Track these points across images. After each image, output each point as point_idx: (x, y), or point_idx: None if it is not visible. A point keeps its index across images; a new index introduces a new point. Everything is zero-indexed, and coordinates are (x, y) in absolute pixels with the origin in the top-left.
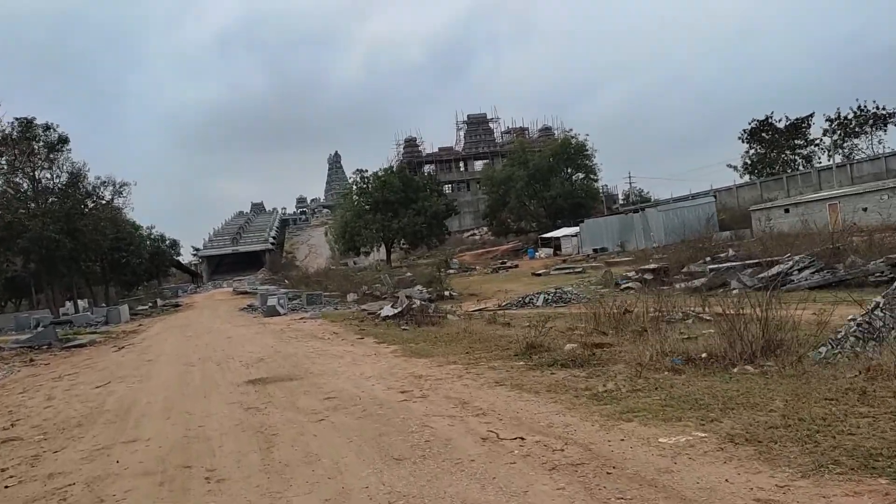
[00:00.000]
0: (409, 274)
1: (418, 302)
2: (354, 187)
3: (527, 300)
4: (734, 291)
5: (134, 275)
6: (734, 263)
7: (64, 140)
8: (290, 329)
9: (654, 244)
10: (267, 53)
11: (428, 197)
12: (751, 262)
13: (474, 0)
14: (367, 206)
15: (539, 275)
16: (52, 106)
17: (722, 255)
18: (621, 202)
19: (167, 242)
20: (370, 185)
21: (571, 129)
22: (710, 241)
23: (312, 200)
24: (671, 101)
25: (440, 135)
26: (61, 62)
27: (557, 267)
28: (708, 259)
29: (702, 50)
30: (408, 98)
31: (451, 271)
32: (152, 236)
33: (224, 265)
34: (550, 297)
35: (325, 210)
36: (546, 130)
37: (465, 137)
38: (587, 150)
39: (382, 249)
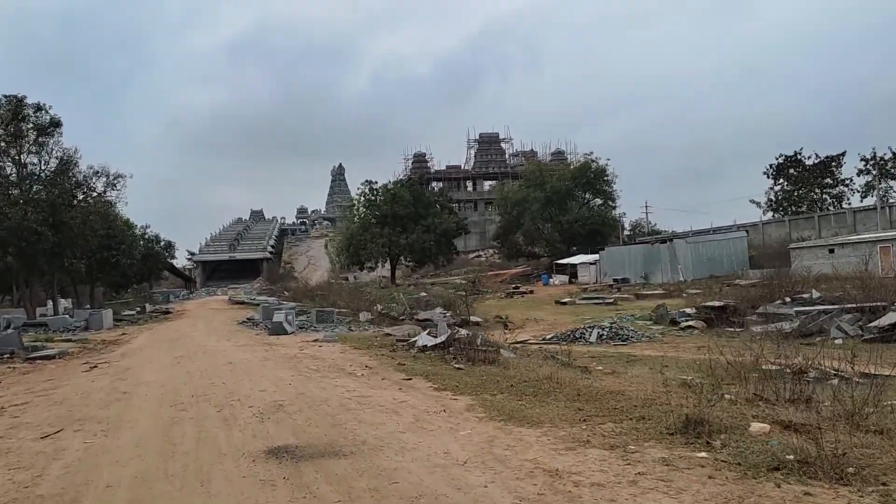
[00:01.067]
0: (422, 294)
1: (463, 331)
2: (362, 198)
3: (577, 335)
4: (837, 341)
5: (123, 276)
6: (826, 307)
7: (56, 123)
8: (307, 356)
9: (682, 278)
10: (275, 63)
11: (438, 213)
12: (849, 306)
13: (484, 23)
14: (373, 220)
15: (564, 303)
16: (56, 103)
17: (804, 295)
18: (627, 233)
19: (162, 244)
20: (378, 197)
21: (592, 153)
22: (789, 278)
23: (313, 212)
24: (675, 135)
25: (446, 154)
26: (68, 60)
27: (584, 296)
28: (788, 300)
29: (705, 87)
30: (414, 116)
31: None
32: (146, 236)
33: (220, 272)
34: (606, 334)
35: (326, 222)
36: (559, 154)
37: (475, 156)
38: (607, 176)
39: (386, 266)
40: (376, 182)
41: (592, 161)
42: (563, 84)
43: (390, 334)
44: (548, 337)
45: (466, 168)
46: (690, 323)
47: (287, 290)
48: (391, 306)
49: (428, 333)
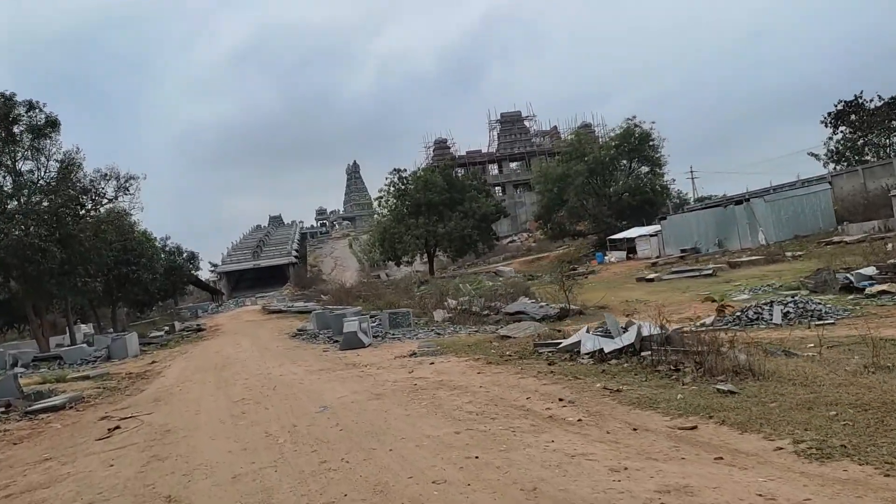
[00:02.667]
0: (489, 283)
1: (656, 330)
2: (391, 188)
3: (749, 316)
4: None
5: (146, 293)
6: None
7: (53, 123)
8: (432, 383)
9: (764, 241)
10: (279, 71)
11: (475, 197)
12: None
13: (486, 10)
14: (405, 210)
15: (650, 280)
16: (67, 128)
17: None
18: (675, 202)
19: (184, 256)
20: (409, 186)
21: (634, 117)
22: None
23: (332, 212)
24: (686, 105)
25: (466, 139)
26: (77, 85)
27: (674, 270)
28: None
29: (713, 54)
30: (424, 108)
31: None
32: (167, 248)
33: (245, 281)
34: (797, 311)
35: (346, 222)
36: (586, 127)
37: (498, 138)
38: (653, 140)
39: (410, 259)
40: (405, 170)
41: (635, 125)
42: (572, 62)
43: (508, 336)
44: (707, 322)
45: (490, 150)
46: (883, 287)
47: (324, 294)
48: (464, 300)
49: (600, 334)
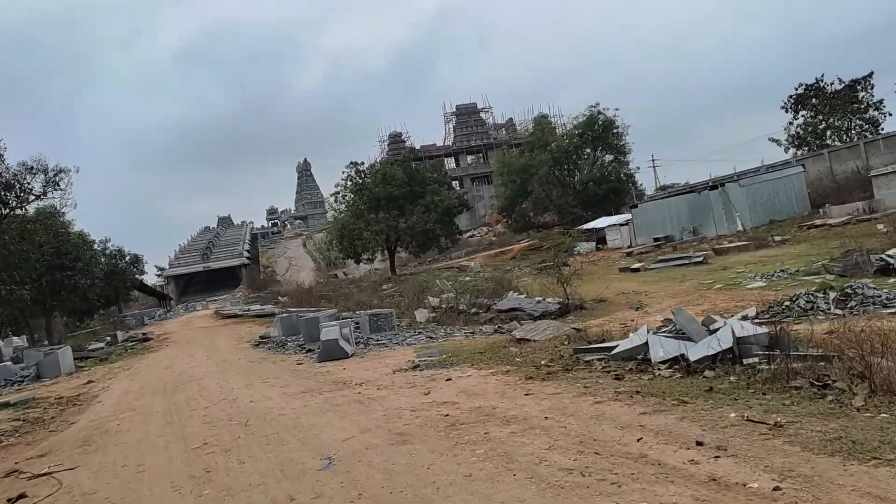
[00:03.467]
0: (467, 278)
1: (752, 329)
2: (349, 183)
3: (799, 306)
4: None
5: (85, 301)
6: None
7: None
8: (464, 409)
9: (740, 227)
10: (227, 69)
11: (437, 190)
12: None
13: (435, 6)
14: (363, 206)
15: (635, 270)
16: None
17: None
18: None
19: (127, 259)
20: (367, 179)
21: (598, 104)
22: None
23: (283, 212)
24: (637, 97)
25: (421, 134)
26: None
27: (661, 258)
28: None
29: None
30: (374, 106)
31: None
32: (107, 251)
33: (194, 284)
34: (855, 302)
35: (298, 221)
36: (543, 118)
37: (454, 130)
38: (617, 128)
39: (371, 256)
40: (362, 163)
41: (599, 112)
42: (522, 57)
43: (526, 339)
44: (750, 314)
45: (446, 144)
46: None
47: (283, 295)
48: (448, 298)
49: (656, 332)
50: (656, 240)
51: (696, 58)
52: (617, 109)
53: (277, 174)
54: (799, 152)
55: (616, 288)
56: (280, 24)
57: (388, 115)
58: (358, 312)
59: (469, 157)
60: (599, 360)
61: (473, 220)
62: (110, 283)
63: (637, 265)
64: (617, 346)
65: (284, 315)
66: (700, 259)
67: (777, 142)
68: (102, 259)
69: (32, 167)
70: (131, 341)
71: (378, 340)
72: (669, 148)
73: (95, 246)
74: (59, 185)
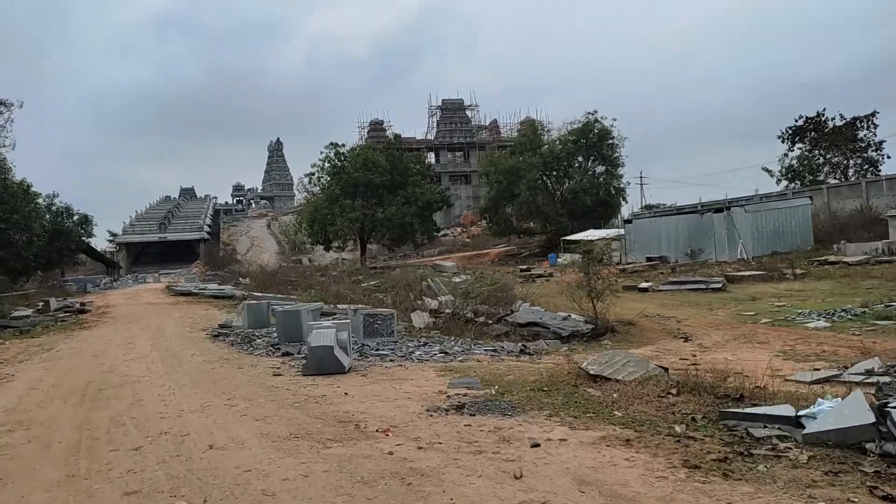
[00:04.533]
0: (457, 279)
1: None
2: (326, 164)
3: None
4: None
5: (19, 259)
6: None
7: None
8: None
9: (743, 256)
10: (204, 39)
11: (419, 182)
12: None
13: (422, 2)
14: (338, 191)
15: (643, 290)
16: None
17: None
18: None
19: (75, 218)
20: (346, 163)
21: (596, 111)
22: None
23: (249, 190)
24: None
25: (402, 125)
26: None
27: (671, 280)
28: None
29: (645, 67)
30: (353, 93)
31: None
32: (53, 208)
33: (147, 255)
34: None
35: (264, 201)
36: (529, 122)
37: (437, 125)
38: (613, 138)
39: (342, 244)
40: (343, 145)
41: (596, 120)
42: (508, 59)
43: (604, 376)
44: (867, 367)
45: (427, 138)
46: None
47: (243, 276)
48: (447, 301)
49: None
50: (649, 259)
51: (689, 79)
52: (615, 119)
53: (246, 152)
54: (791, 185)
55: (630, 309)
56: (262, 1)
57: (366, 104)
58: (341, 308)
59: (449, 154)
60: (779, 438)
61: (447, 218)
62: (53, 244)
63: (645, 285)
64: (796, 414)
65: (252, 303)
66: (719, 285)
67: (770, 172)
68: (47, 216)
69: None
70: (65, 311)
71: (377, 349)
72: (650, 167)
73: (40, 200)
74: None
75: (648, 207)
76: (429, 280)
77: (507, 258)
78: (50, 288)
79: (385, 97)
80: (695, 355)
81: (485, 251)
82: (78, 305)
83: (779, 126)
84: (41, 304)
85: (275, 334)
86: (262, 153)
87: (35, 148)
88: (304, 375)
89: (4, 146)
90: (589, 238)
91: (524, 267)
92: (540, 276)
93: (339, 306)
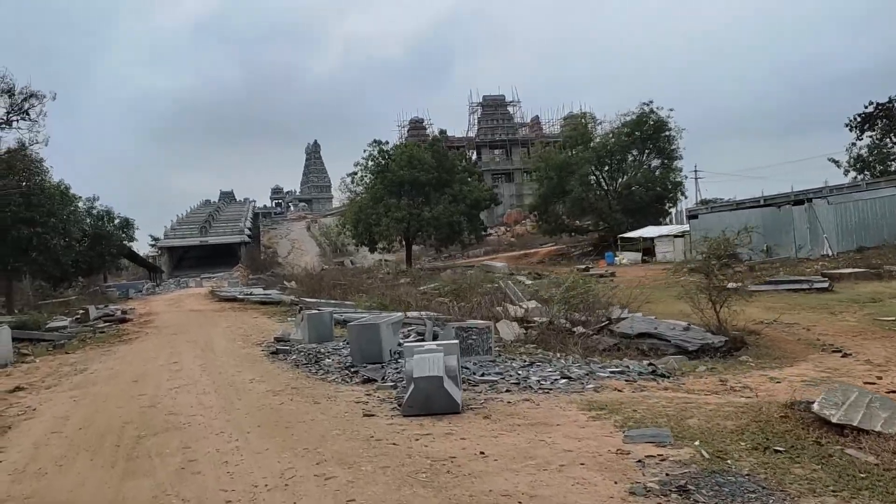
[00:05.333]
0: (528, 282)
1: None
2: (369, 163)
3: None
4: None
5: (58, 265)
6: None
7: None
8: None
9: (828, 251)
10: (241, 44)
11: (465, 179)
12: None
13: (454, 4)
14: (382, 189)
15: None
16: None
17: None
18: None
19: (116, 222)
20: (391, 161)
21: (651, 101)
22: None
23: (288, 192)
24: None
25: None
26: (18, 43)
27: (769, 280)
28: None
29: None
30: (389, 95)
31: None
32: (94, 210)
33: (189, 259)
34: None
35: (302, 204)
36: (573, 117)
37: (479, 122)
38: (669, 130)
39: (388, 245)
40: (386, 142)
41: (651, 111)
42: (542, 61)
43: (854, 426)
44: None
45: (468, 136)
46: None
47: (288, 279)
48: (537, 309)
49: None
50: (719, 257)
51: (734, 72)
52: (671, 110)
53: (284, 155)
54: (860, 176)
55: (734, 313)
56: (298, 5)
57: (405, 104)
58: (412, 316)
59: (493, 152)
60: None
61: (490, 218)
62: (94, 248)
63: (732, 285)
64: None
65: (313, 312)
66: (824, 285)
67: (837, 163)
68: (88, 220)
69: None
70: (105, 320)
71: (482, 373)
72: (702, 160)
73: (80, 204)
74: (28, 114)
75: (704, 202)
76: (500, 283)
77: (557, 258)
78: (91, 294)
79: (423, 96)
80: (880, 378)
81: (532, 251)
82: (119, 314)
83: (819, 119)
84: (81, 312)
85: (343, 350)
86: (299, 155)
87: (77, 154)
88: (404, 416)
89: (38, 142)
90: (648, 235)
91: (582, 266)
92: (601, 275)
93: (410, 314)
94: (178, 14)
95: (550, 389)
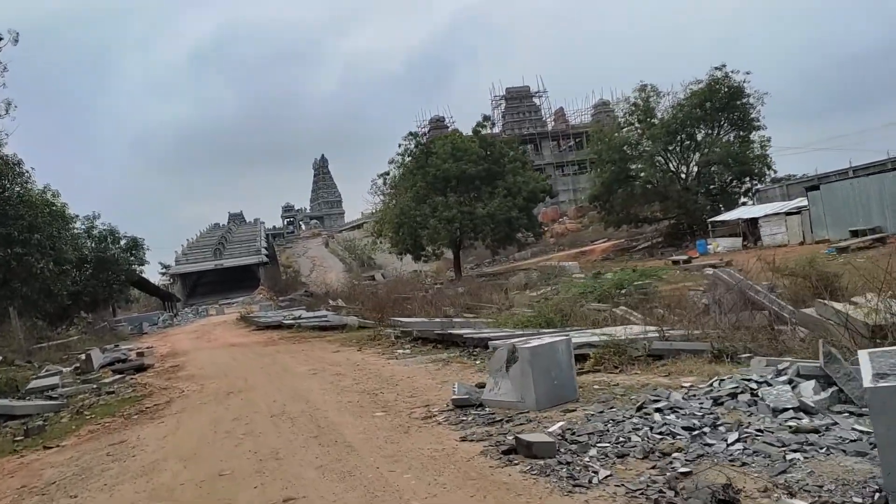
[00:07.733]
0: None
1: None
2: (406, 158)
3: None
4: None
5: (48, 296)
6: None
7: None
8: None
9: None
10: (241, 71)
11: (517, 170)
12: None
13: (455, 10)
14: (425, 187)
15: None
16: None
17: None
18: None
19: (121, 243)
20: (433, 155)
21: (724, 65)
22: None
23: (298, 210)
24: None
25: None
26: (29, 82)
27: None
28: None
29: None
30: (393, 109)
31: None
32: (95, 230)
33: (204, 285)
34: None
35: (314, 221)
36: (603, 105)
37: (503, 116)
38: (747, 96)
39: (437, 250)
40: (422, 135)
41: (726, 75)
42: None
43: None
44: None
45: (493, 132)
46: None
47: (333, 299)
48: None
49: None
50: (854, 233)
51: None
52: (748, 73)
53: (291, 176)
54: None
55: None
56: (296, 27)
57: (414, 115)
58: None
59: (528, 147)
60: None
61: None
62: (97, 276)
63: None
64: None
65: (531, 348)
66: None
67: None
68: (88, 243)
69: None
70: (115, 370)
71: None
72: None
73: (78, 223)
74: None
75: (776, 181)
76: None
77: (618, 253)
78: (98, 332)
79: (433, 102)
80: None
81: (587, 248)
82: (134, 357)
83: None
84: (77, 362)
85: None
86: (306, 176)
87: (87, 190)
88: None
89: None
90: (747, 216)
91: (675, 259)
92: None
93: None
94: (176, 46)
95: None
